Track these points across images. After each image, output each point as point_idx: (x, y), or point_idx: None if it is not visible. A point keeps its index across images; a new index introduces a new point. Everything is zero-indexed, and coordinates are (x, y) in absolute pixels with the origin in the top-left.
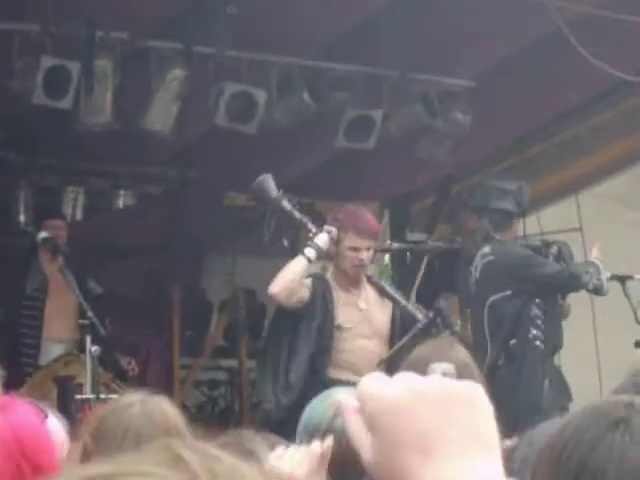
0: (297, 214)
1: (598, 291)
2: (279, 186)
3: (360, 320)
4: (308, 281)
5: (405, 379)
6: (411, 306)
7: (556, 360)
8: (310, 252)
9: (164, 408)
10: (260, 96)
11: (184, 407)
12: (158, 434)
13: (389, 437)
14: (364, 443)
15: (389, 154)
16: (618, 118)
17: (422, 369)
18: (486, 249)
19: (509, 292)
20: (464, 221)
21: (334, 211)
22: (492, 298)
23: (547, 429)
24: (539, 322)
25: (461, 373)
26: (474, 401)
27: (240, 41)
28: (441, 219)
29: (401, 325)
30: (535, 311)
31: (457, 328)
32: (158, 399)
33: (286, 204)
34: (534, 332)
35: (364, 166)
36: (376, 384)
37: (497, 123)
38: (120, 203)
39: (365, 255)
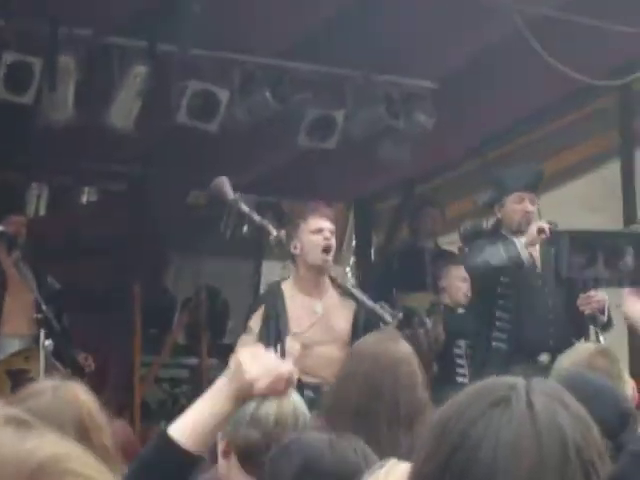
0: (256, 216)
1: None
2: (243, 184)
3: (316, 326)
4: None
5: None
6: (379, 308)
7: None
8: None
9: (77, 394)
10: (222, 95)
11: (145, 404)
12: (70, 420)
13: None
14: None
15: (351, 154)
16: (581, 121)
17: (368, 361)
18: None
19: None
20: (428, 219)
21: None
22: None
23: None
24: (499, 324)
25: (387, 362)
26: None
27: (203, 39)
28: (404, 220)
29: (365, 327)
30: (497, 313)
31: (429, 326)
32: (71, 385)
33: (244, 206)
34: (493, 333)
35: (327, 166)
36: None
37: (460, 125)
38: (84, 199)
39: (330, 235)
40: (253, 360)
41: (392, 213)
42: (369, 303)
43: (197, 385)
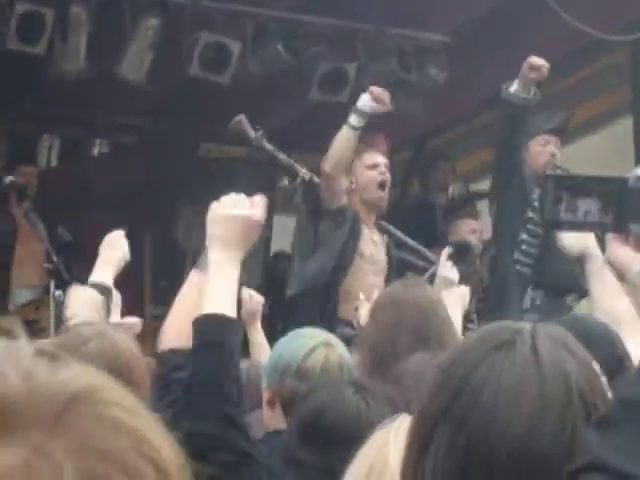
0: (282, 154)
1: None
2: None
3: (374, 257)
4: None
5: None
6: (422, 248)
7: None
8: (354, 119)
9: (119, 342)
10: (234, 47)
11: (156, 355)
12: (112, 369)
13: None
14: None
15: None
16: (593, 77)
17: (394, 309)
18: None
19: None
20: (439, 173)
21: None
22: None
23: None
24: (525, 247)
25: (428, 309)
26: None
27: None
28: (416, 174)
29: (396, 270)
30: (523, 236)
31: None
32: (114, 334)
33: (268, 145)
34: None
35: (339, 120)
36: None
37: (473, 80)
38: (95, 152)
39: (385, 170)
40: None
41: (404, 167)
42: (415, 245)
43: None
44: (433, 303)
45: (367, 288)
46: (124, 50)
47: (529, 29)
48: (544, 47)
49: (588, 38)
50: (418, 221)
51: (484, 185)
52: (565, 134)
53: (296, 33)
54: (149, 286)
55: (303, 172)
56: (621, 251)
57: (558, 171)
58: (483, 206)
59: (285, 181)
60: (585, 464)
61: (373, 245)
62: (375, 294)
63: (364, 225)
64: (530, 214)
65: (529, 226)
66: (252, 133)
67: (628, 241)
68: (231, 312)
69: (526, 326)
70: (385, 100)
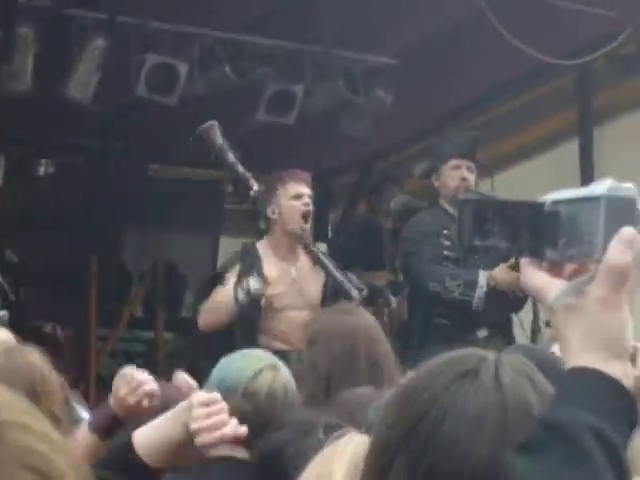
0: (240, 167)
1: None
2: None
3: (291, 290)
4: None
5: None
6: (346, 282)
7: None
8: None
9: (31, 358)
10: (182, 68)
11: (100, 377)
12: (21, 384)
13: None
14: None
15: (310, 129)
16: (540, 99)
17: (348, 338)
18: None
19: None
20: (387, 196)
21: (259, 183)
22: None
23: None
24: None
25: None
26: None
27: (163, 12)
28: (363, 196)
29: (332, 295)
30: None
31: (394, 305)
32: (27, 349)
33: (230, 155)
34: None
35: (286, 140)
36: None
37: (419, 102)
38: (41, 171)
39: (309, 201)
40: (204, 409)
41: (351, 189)
42: (337, 275)
43: (153, 359)
44: (379, 328)
45: (287, 322)
46: (71, 70)
47: (477, 52)
48: (490, 68)
49: (535, 62)
50: (363, 243)
51: None
52: (472, 156)
53: (243, 54)
54: (94, 307)
55: (254, 189)
56: (536, 276)
57: (472, 195)
58: None
59: (230, 188)
60: None
61: (287, 277)
62: (298, 325)
63: (273, 260)
64: (445, 242)
65: (445, 252)
66: (219, 141)
67: (542, 266)
68: (153, 459)
69: (490, 355)
70: None
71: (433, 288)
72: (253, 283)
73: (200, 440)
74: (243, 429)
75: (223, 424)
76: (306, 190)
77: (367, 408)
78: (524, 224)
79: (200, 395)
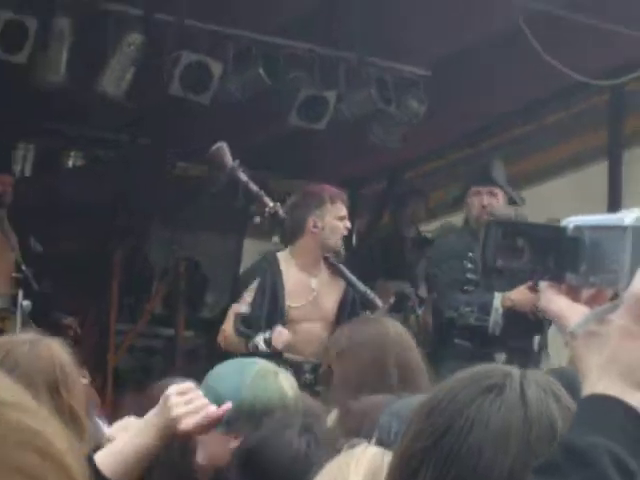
0: (254, 186)
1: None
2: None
3: (309, 303)
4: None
5: None
6: (370, 292)
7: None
8: (261, 346)
9: (53, 350)
10: (216, 67)
11: (118, 371)
12: (42, 374)
13: None
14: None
15: (341, 136)
16: (571, 118)
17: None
18: None
19: None
20: (411, 207)
21: (294, 195)
22: None
23: (413, 402)
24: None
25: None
26: None
27: (200, 11)
28: (388, 207)
29: (351, 309)
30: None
31: (420, 312)
32: (49, 341)
33: (242, 175)
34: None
35: (316, 146)
36: None
37: (451, 114)
38: (70, 163)
39: (349, 225)
40: (181, 397)
41: (376, 199)
42: (360, 286)
43: (171, 356)
44: (408, 336)
45: (300, 333)
46: (105, 64)
47: (510, 67)
48: (523, 84)
49: (569, 80)
50: (388, 254)
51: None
52: (491, 181)
53: (277, 57)
54: (115, 301)
55: (270, 206)
56: (557, 299)
57: (501, 217)
58: None
59: (257, 219)
60: None
61: (308, 289)
62: (309, 336)
63: (295, 271)
64: (469, 265)
65: (468, 275)
66: (230, 161)
67: (561, 290)
68: (116, 474)
69: (515, 371)
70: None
71: (448, 314)
72: (262, 345)
73: (184, 425)
74: (225, 406)
75: (204, 407)
76: (346, 212)
77: (376, 416)
78: (546, 247)
79: (174, 387)
